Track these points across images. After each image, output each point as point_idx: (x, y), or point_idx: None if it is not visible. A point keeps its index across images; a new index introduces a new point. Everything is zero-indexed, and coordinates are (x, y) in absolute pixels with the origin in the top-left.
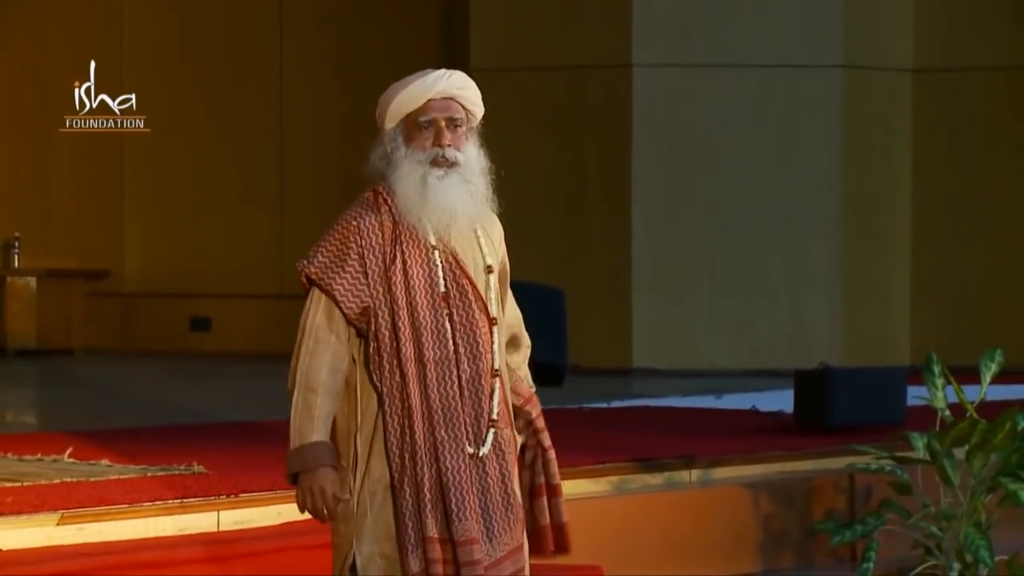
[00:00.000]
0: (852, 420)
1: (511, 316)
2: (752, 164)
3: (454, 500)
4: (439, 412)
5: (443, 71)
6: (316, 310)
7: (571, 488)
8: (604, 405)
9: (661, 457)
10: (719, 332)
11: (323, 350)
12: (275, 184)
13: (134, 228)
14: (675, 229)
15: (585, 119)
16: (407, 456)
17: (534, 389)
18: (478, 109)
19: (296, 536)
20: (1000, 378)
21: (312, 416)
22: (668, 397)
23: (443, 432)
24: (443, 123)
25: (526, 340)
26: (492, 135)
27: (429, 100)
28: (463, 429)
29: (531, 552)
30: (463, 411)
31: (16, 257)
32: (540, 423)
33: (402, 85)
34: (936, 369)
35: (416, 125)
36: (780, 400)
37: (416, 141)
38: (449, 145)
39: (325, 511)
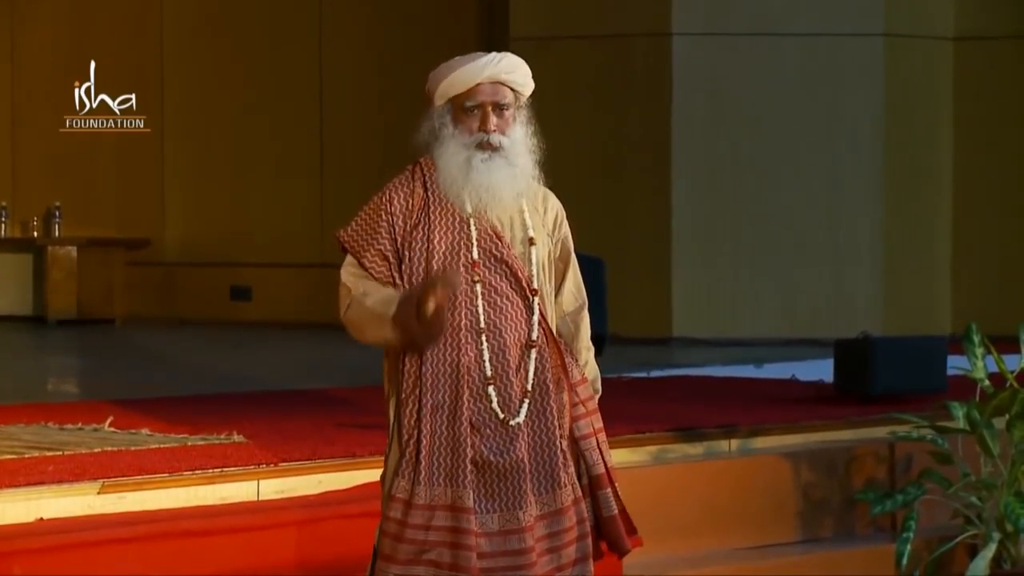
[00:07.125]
0: (893, 390)
1: (568, 301)
2: (793, 133)
3: (448, 464)
4: (430, 376)
5: (493, 55)
6: (349, 263)
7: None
8: (644, 374)
9: (701, 426)
10: (758, 302)
11: (364, 281)
12: (315, 153)
13: (174, 197)
14: (715, 198)
15: (626, 89)
16: (408, 417)
17: (599, 395)
18: (527, 88)
19: (337, 505)
20: None
21: (380, 299)
22: (708, 366)
23: (441, 396)
24: (490, 108)
25: (586, 340)
26: (533, 105)
27: (478, 84)
28: (468, 394)
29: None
30: (475, 377)
31: (57, 226)
32: (581, 409)
33: (452, 67)
34: (976, 339)
35: (463, 108)
36: (820, 369)
37: (463, 123)
38: (495, 131)
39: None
